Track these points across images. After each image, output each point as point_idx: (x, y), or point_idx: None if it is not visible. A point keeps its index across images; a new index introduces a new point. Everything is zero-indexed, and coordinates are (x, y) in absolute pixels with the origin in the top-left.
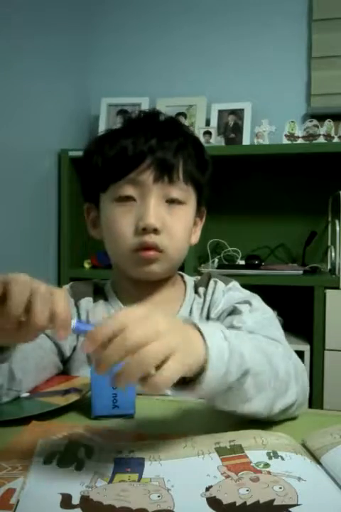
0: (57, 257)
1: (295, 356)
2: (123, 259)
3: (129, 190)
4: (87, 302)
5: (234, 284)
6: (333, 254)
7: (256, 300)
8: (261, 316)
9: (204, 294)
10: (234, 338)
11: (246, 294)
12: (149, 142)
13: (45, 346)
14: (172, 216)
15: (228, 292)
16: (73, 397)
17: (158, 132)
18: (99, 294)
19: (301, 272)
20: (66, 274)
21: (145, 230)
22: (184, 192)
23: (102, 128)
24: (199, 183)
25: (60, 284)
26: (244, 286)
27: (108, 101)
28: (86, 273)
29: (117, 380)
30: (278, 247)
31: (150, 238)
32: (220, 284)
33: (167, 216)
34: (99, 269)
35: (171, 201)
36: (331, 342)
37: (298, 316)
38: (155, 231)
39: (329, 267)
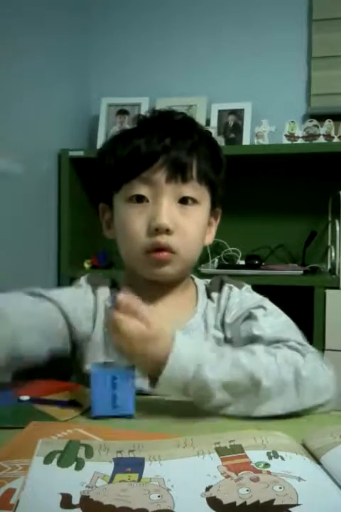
0: (57, 257)
1: (309, 361)
2: (136, 260)
3: (142, 190)
4: (103, 292)
5: (247, 287)
6: (333, 254)
7: (269, 303)
8: (275, 320)
9: (219, 299)
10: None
11: (258, 297)
12: (163, 141)
13: (57, 319)
14: (185, 217)
15: (241, 295)
16: (72, 414)
17: (171, 131)
18: (114, 288)
19: (301, 272)
20: (66, 274)
21: (157, 231)
22: (197, 191)
23: (102, 128)
24: (213, 182)
25: (59, 284)
26: None
27: (108, 101)
28: (86, 273)
29: None
30: (278, 247)
31: (163, 239)
32: (235, 290)
33: (180, 216)
34: (99, 269)
35: (184, 201)
36: (331, 342)
37: (298, 316)
38: (168, 231)
39: (329, 267)
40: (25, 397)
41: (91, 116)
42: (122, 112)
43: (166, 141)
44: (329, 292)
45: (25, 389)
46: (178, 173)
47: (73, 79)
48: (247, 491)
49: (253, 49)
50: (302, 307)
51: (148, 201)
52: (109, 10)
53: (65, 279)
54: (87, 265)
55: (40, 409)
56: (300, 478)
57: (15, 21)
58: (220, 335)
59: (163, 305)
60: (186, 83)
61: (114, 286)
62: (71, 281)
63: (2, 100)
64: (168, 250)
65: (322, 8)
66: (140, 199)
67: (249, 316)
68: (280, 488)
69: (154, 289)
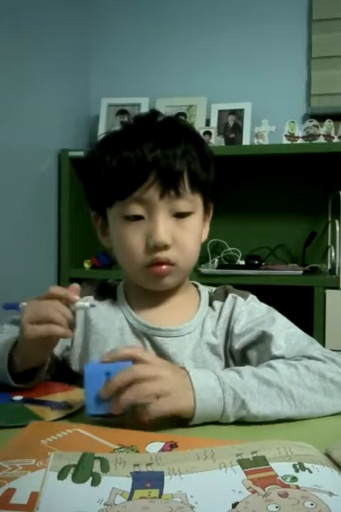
0: (57, 257)
1: (333, 365)
2: (135, 274)
3: (136, 210)
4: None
5: (253, 297)
6: (333, 254)
7: (277, 314)
8: (287, 330)
9: (221, 308)
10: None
11: (264, 307)
12: (153, 153)
13: None
14: (182, 229)
15: (247, 305)
16: (60, 414)
17: (160, 141)
18: (108, 293)
19: (301, 272)
20: (66, 274)
21: (156, 247)
22: (191, 202)
23: (102, 128)
24: (204, 183)
25: (59, 284)
26: (244, 286)
27: (108, 101)
28: (86, 273)
29: (117, 407)
30: (278, 247)
31: (162, 254)
32: (240, 300)
33: (176, 229)
34: (99, 269)
35: (180, 214)
36: (331, 342)
37: (298, 316)
38: (166, 247)
39: (329, 267)
40: (18, 397)
41: (92, 116)
42: (122, 111)
43: (156, 152)
44: (329, 292)
45: (22, 390)
46: (171, 187)
47: (73, 79)
48: (277, 507)
49: (253, 49)
50: (302, 307)
51: (143, 218)
52: (109, 10)
53: (65, 279)
54: (87, 265)
55: (30, 409)
56: (331, 493)
57: (15, 21)
58: (215, 341)
59: (163, 307)
60: (186, 83)
61: (108, 291)
62: (71, 281)
63: (2, 100)
64: (167, 263)
65: (322, 8)
66: (136, 217)
67: (263, 337)
68: (312, 504)
69: (152, 295)
